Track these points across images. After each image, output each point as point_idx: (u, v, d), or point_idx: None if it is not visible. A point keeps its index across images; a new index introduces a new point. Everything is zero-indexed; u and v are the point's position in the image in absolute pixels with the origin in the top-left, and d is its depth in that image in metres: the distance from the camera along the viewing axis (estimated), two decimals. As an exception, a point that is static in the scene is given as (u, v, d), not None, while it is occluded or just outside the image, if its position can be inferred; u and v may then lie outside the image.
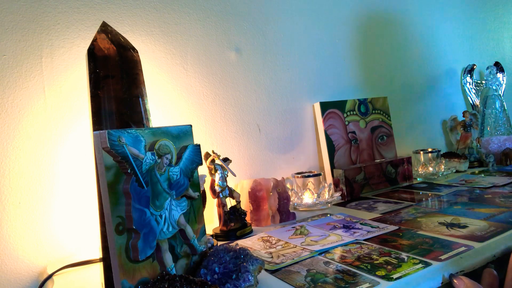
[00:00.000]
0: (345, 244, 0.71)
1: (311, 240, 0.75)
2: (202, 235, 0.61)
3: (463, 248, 0.63)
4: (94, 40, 0.60)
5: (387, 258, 0.62)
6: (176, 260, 0.56)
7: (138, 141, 0.53)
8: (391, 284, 0.53)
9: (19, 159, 0.77)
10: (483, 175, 1.24)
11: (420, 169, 1.28)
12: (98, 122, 0.58)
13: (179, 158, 0.59)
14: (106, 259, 0.56)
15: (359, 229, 0.79)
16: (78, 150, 0.83)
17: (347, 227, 0.81)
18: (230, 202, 0.88)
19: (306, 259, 0.65)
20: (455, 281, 0.54)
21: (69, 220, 0.82)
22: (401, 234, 0.74)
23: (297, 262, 0.64)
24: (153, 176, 0.54)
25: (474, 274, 0.57)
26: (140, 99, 0.62)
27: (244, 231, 0.84)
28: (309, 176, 1.04)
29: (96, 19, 0.86)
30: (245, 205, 0.91)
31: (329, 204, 1.01)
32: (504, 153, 1.40)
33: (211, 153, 0.85)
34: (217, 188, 0.85)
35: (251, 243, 0.77)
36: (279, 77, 1.16)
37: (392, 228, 0.77)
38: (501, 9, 1.89)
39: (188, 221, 0.59)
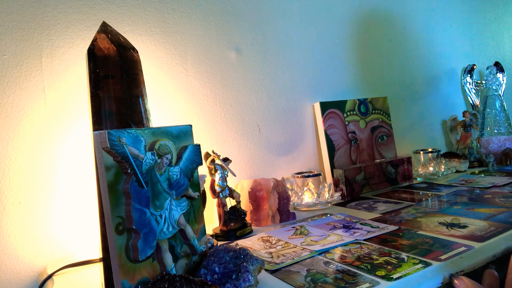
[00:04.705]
0: (345, 244, 0.70)
1: (311, 240, 0.75)
2: (202, 235, 0.61)
3: (463, 248, 0.63)
4: (94, 40, 0.60)
5: (387, 258, 0.62)
6: (176, 260, 0.56)
7: (138, 141, 0.53)
8: (391, 284, 0.53)
9: (19, 159, 0.77)
10: (483, 175, 1.24)
11: (420, 169, 1.28)
12: (98, 122, 0.58)
13: (179, 158, 0.59)
14: (106, 259, 0.56)
15: (359, 229, 0.79)
16: (78, 150, 0.83)
17: (347, 227, 0.81)
18: (230, 202, 0.88)
19: (306, 259, 0.65)
20: (455, 281, 0.54)
21: (69, 220, 0.82)
22: (401, 234, 0.74)
23: (297, 262, 0.64)
24: (153, 176, 0.54)
25: (474, 274, 0.57)
26: (140, 99, 0.62)
27: (244, 231, 0.84)
28: (309, 176, 1.04)
29: (96, 19, 0.86)
30: (245, 205, 0.91)
31: (329, 204, 1.01)
32: (504, 153, 1.40)
33: (211, 153, 0.85)
34: (217, 188, 0.85)
35: (251, 243, 0.77)
36: (279, 77, 1.16)
37: (392, 228, 0.77)
38: (501, 9, 1.89)
39: (188, 221, 0.59)
